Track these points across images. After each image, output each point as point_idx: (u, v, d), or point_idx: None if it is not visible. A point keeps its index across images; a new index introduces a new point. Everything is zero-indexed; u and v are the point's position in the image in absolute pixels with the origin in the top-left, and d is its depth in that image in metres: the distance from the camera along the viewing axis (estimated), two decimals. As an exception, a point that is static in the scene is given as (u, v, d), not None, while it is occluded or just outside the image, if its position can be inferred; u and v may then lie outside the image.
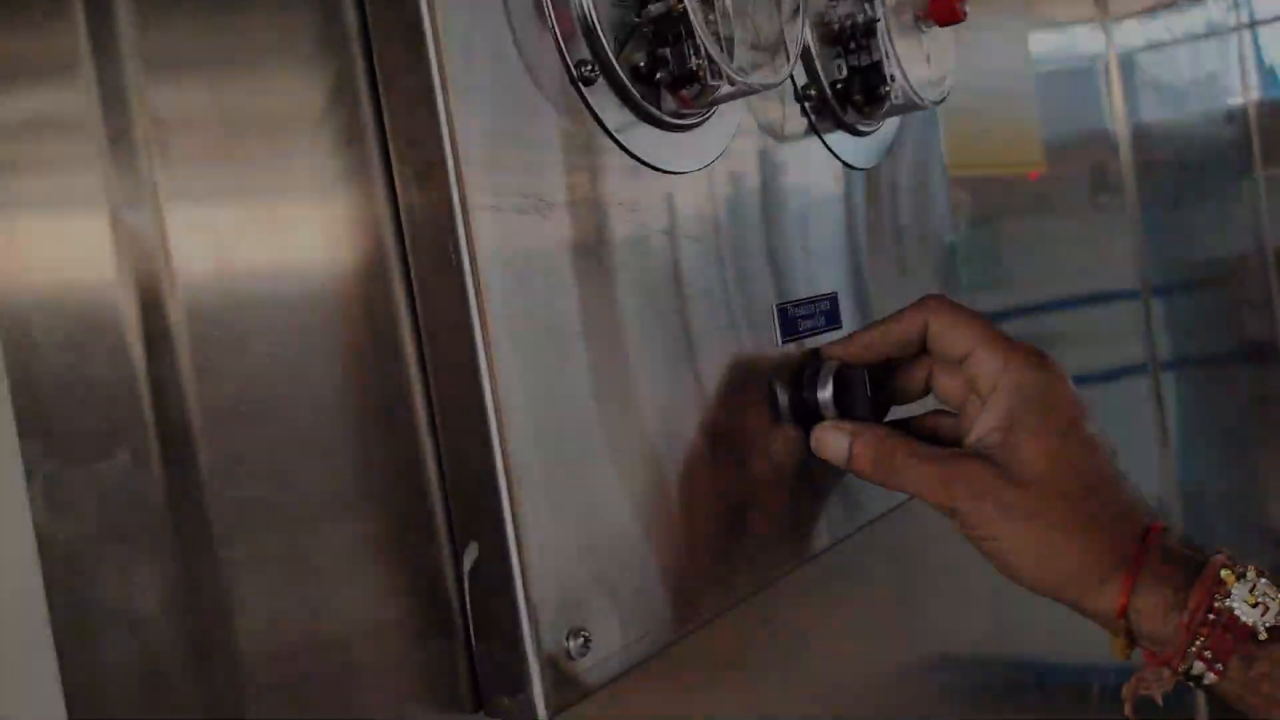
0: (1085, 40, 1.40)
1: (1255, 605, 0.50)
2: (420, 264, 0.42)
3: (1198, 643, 0.50)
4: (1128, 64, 1.50)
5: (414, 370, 0.42)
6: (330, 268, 0.40)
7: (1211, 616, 0.50)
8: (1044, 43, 1.31)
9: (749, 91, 0.50)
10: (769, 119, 0.60)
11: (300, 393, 0.39)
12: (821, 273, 0.62)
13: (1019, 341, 0.54)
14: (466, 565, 0.42)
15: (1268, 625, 0.49)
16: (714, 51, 0.46)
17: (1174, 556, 0.51)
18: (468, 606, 0.42)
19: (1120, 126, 1.47)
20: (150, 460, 0.34)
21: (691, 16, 0.45)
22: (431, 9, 0.39)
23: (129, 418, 0.34)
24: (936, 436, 0.59)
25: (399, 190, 0.42)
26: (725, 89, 0.50)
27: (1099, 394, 1.33)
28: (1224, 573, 0.50)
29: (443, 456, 0.42)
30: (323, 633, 0.39)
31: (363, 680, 0.40)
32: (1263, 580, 0.50)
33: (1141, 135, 1.50)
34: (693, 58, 0.48)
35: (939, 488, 0.52)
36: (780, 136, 0.60)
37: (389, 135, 0.42)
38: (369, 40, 0.42)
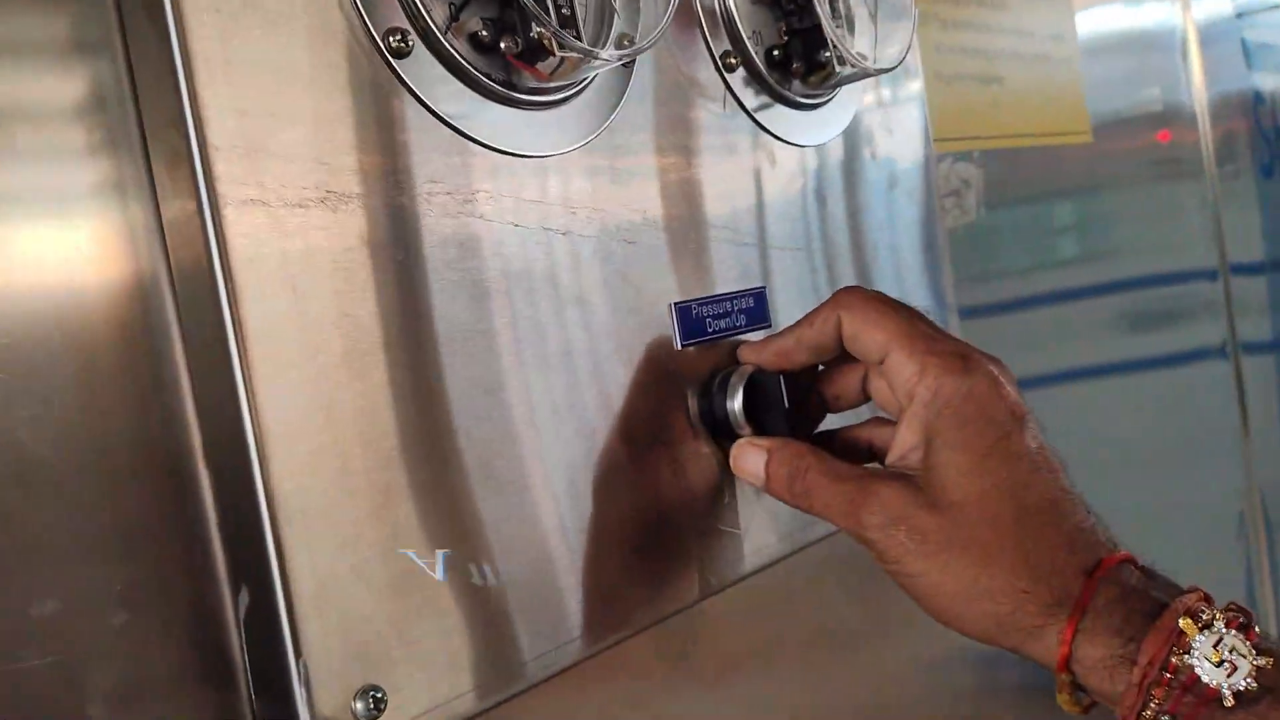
0: (1163, 7, 1.29)
1: (1220, 664, 0.41)
2: (180, 275, 0.36)
3: (1152, 705, 0.41)
4: (1212, 30, 1.38)
5: (189, 396, 0.37)
6: (73, 286, 0.35)
7: (1168, 675, 0.41)
8: (1117, 9, 1.21)
9: (607, 64, 0.44)
10: (683, 90, 0.53)
11: (18, 410, 0.34)
12: (752, 265, 0.55)
13: (943, 340, 0.46)
14: (240, 613, 0.37)
15: (1235, 689, 0.41)
16: (544, 18, 0.40)
17: (1129, 598, 0.43)
18: (245, 659, 0.37)
19: (1198, 96, 1.36)
20: None
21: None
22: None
23: None
24: (872, 449, 0.52)
25: (158, 193, 0.36)
26: (593, 62, 0.44)
27: (1175, 379, 1.23)
28: (1184, 621, 0.42)
29: (213, 484, 0.37)
30: (81, 685, 0.35)
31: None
32: (1233, 632, 0.42)
33: (1223, 104, 1.38)
34: (534, 26, 0.42)
35: (848, 513, 0.45)
36: (695, 110, 0.53)
37: (145, 128, 0.36)
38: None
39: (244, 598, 0.37)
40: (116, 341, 0.36)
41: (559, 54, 0.42)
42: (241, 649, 0.37)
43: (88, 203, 0.36)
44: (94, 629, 0.35)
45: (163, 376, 0.37)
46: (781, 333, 0.51)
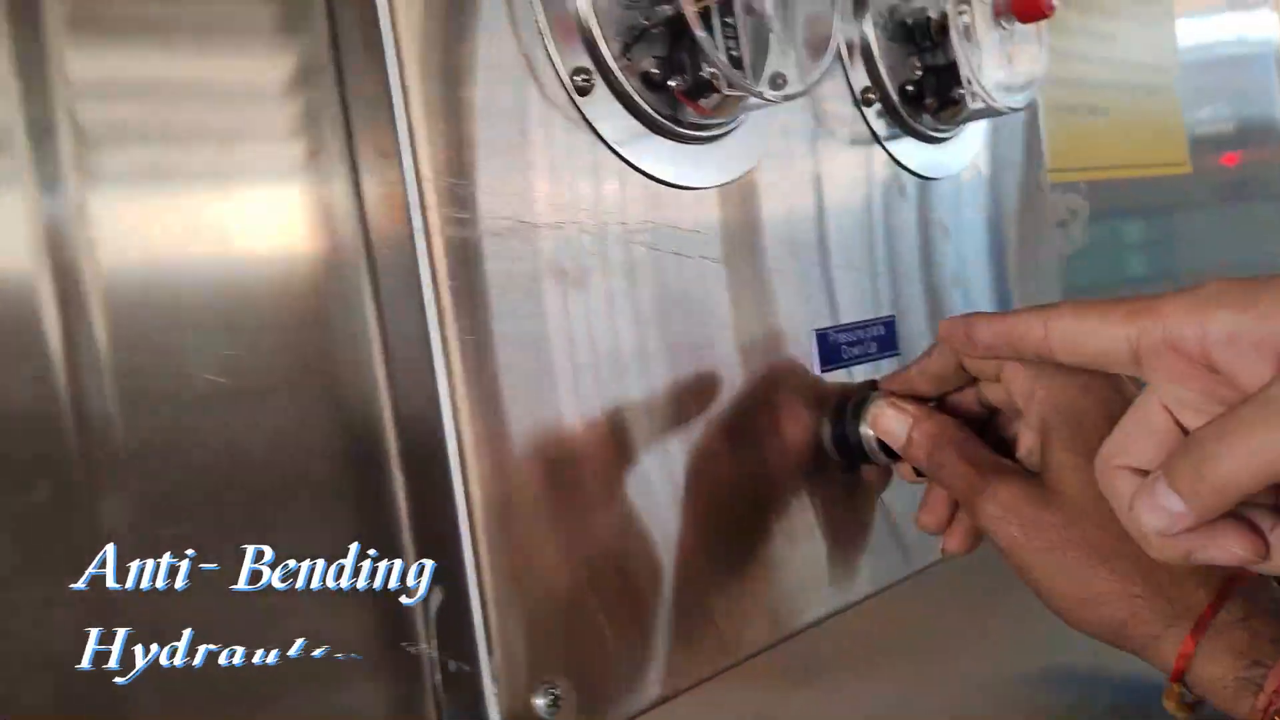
0: (1260, 22, 1.29)
1: None
2: (388, 296, 0.39)
3: None
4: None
5: (383, 385, 0.40)
6: (285, 266, 0.38)
7: None
8: (1211, 25, 1.20)
9: (771, 102, 0.46)
10: (823, 125, 0.55)
11: (241, 416, 0.37)
12: (882, 294, 0.57)
13: None
14: (431, 611, 0.40)
15: None
16: (718, 60, 0.42)
17: (1256, 618, 0.42)
18: (434, 653, 0.40)
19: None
20: (73, 493, 0.33)
21: (690, 23, 0.41)
22: (391, 7, 0.37)
23: (52, 448, 0.33)
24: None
25: (367, 217, 0.39)
26: (750, 99, 0.46)
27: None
28: None
29: (408, 490, 0.40)
30: (279, 675, 0.38)
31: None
32: None
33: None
34: (705, 65, 0.44)
35: (967, 496, 0.46)
36: (835, 144, 0.56)
37: (356, 154, 0.39)
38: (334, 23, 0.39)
39: (436, 596, 0.39)
40: (323, 347, 0.39)
41: (726, 92, 0.45)
42: (428, 644, 0.40)
43: (292, 180, 0.39)
44: (293, 618, 0.38)
45: (363, 386, 0.40)
46: (905, 367, 0.52)
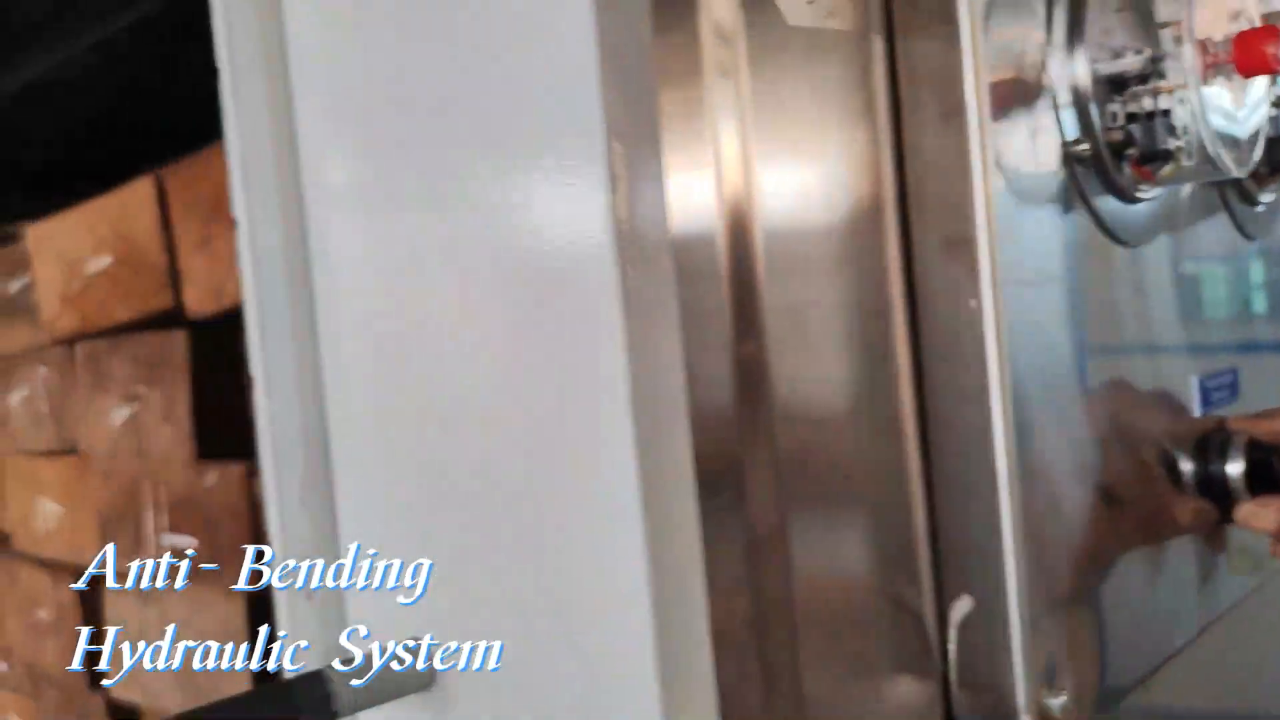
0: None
1: None
2: (932, 334, 0.45)
3: None
4: None
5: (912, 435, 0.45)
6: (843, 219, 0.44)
7: None
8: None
9: (1211, 177, 0.51)
10: (1195, 194, 0.61)
11: (822, 424, 0.42)
12: (1224, 344, 0.62)
13: None
14: (956, 616, 0.44)
15: None
16: (1209, 141, 0.48)
17: None
18: (950, 653, 0.45)
19: None
20: (749, 498, 0.38)
21: (1191, 109, 0.47)
22: (979, 95, 0.42)
23: (731, 460, 0.38)
24: None
25: (919, 270, 0.45)
26: (1187, 170, 0.52)
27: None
28: None
29: (936, 506, 0.45)
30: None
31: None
32: None
33: None
34: (1169, 138, 0.49)
35: None
36: (1202, 211, 0.61)
37: (910, 200, 0.45)
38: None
39: (963, 604, 0.44)
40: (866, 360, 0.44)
41: (1185, 164, 0.50)
42: (944, 644, 0.45)
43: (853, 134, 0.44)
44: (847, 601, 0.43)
45: (889, 393, 0.45)
46: (1272, 412, 0.58)
